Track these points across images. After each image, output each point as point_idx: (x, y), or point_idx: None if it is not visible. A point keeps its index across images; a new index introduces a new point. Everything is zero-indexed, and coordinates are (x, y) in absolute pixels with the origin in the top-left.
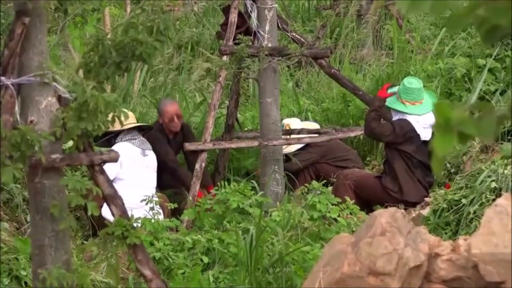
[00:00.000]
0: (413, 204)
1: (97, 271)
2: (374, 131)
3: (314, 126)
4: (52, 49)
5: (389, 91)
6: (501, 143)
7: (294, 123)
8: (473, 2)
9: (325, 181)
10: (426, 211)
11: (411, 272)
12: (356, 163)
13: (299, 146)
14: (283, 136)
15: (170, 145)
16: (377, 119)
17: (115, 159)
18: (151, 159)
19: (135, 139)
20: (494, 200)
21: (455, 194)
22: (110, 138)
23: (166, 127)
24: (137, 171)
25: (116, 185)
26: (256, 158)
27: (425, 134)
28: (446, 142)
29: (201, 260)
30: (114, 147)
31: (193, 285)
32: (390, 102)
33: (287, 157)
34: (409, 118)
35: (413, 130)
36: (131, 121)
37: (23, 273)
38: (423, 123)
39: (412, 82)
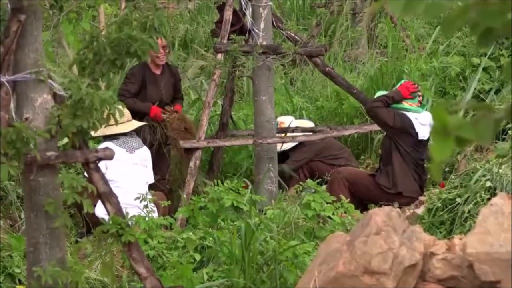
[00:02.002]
0: (407, 200)
1: (91, 269)
2: (378, 111)
3: (309, 124)
4: (46, 46)
5: (412, 95)
6: (496, 142)
7: (288, 121)
8: (465, 5)
9: (319, 179)
10: (420, 210)
11: (406, 271)
12: (349, 161)
13: (294, 144)
14: (277, 135)
15: (157, 83)
16: (385, 103)
17: (110, 157)
18: (140, 155)
19: (118, 138)
20: (488, 199)
21: (449, 193)
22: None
23: (152, 61)
24: (125, 170)
25: None
26: (249, 156)
27: (423, 132)
28: (445, 148)
29: (194, 258)
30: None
31: (183, 283)
32: None
33: (283, 155)
34: (408, 115)
35: (411, 126)
36: (124, 120)
37: (17, 270)
38: (421, 120)
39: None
